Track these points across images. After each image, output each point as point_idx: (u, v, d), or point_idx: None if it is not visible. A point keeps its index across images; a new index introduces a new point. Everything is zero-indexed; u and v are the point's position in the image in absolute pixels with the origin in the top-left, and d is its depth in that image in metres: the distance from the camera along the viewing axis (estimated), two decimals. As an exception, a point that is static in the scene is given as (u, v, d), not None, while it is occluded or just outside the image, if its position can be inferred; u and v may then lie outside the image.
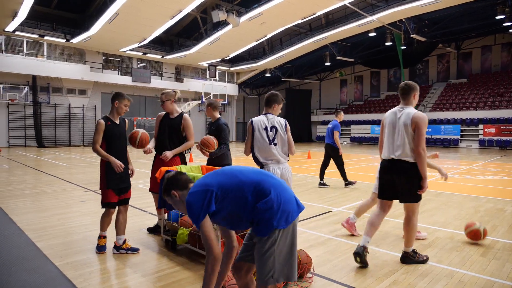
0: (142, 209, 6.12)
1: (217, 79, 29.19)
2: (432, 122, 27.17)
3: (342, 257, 3.86)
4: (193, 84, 30.61)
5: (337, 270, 3.51)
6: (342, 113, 8.62)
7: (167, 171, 4.01)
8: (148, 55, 27.63)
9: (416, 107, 26.49)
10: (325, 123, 34.89)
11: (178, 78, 30.97)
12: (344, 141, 32.41)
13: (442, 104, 28.41)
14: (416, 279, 3.32)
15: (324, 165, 8.45)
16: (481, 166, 13.18)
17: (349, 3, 20.14)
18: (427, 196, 7.25)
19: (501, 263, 3.73)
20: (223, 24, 22.36)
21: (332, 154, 8.30)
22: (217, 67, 29.27)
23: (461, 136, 25.73)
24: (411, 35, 23.01)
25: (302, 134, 35.11)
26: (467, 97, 27.85)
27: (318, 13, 21.43)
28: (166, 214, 4.36)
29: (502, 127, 23.63)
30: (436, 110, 28.07)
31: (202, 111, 32.49)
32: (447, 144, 25.81)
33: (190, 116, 30.87)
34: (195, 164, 5.34)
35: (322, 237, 4.58)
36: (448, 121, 26.51)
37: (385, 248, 4.16)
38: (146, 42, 24.56)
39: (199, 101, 26.86)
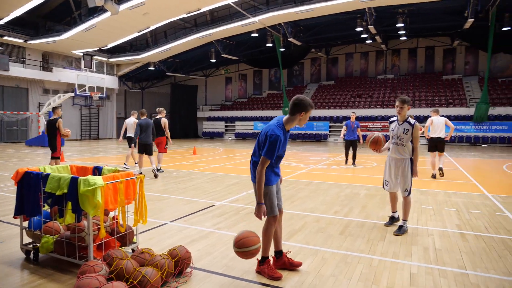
0: (-3, 218, 5.24)
1: (94, 70, 26.61)
2: (306, 119, 29.98)
3: (222, 249, 4.00)
4: (65, 75, 27.27)
5: (216, 262, 3.63)
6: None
7: (26, 172, 3.54)
8: (6, 38, 23.50)
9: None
10: (211, 119, 35.28)
11: (46, 66, 27.18)
12: (229, 137, 33.34)
13: (315, 103, 31.65)
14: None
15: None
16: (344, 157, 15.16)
17: (233, 2, 20.71)
18: (300, 186, 8.04)
19: (354, 239, 4.39)
20: (100, 10, 20.50)
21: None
22: (94, 57, 26.69)
23: (330, 131, 29.14)
24: (289, 39, 24.95)
25: (188, 130, 34.75)
26: (334, 97, 31.66)
27: (203, 9, 21.45)
28: (26, 222, 3.83)
29: (361, 124, 27.56)
30: (310, 108, 31.10)
31: (77, 105, 29.27)
32: (318, 139, 28.93)
33: (61, 110, 27.45)
34: (66, 163, 4.83)
35: (204, 231, 4.67)
36: (319, 118, 29.69)
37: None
38: (2, 22, 20.87)
39: (72, 94, 24.14)
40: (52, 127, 8.02)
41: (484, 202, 6.45)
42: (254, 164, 3.29)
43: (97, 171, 3.95)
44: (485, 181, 8.77)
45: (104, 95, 26.24)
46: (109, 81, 29.84)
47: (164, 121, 9.90)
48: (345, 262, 3.66)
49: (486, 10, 20.05)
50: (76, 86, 23.78)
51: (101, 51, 28.19)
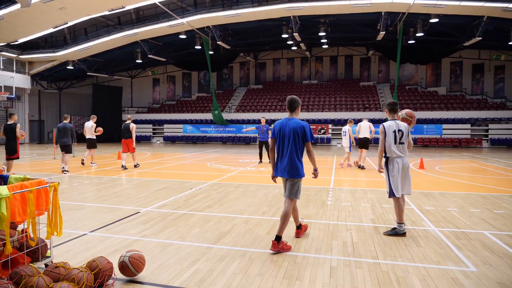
0: None
1: (1, 67, 23.87)
2: (235, 122, 30.36)
3: (148, 257, 3.86)
4: (-38, 71, 24.00)
5: (141, 270, 3.50)
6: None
7: None
8: None
9: (223, 109, 28.84)
10: (138, 122, 33.77)
11: None
12: (157, 141, 32.25)
13: (244, 106, 32.15)
14: (215, 263, 3.68)
15: None
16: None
17: (160, 2, 20.15)
18: (229, 188, 8.10)
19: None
20: (8, 1, 18.45)
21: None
22: (1, 53, 23.91)
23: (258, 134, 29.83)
24: (218, 42, 24.99)
25: (113, 134, 32.58)
26: (263, 101, 32.49)
27: (127, 7, 20.50)
28: None
29: (288, 127, 28.70)
30: (239, 111, 31.53)
31: (-22, 105, 25.91)
32: (248, 141, 29.42)
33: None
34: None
35: (128, 240, 4.46)
36: (249, 121, 30.19)
37: (189, 241, 4.41)
38: None
39: (-27, 93, 21.34)
40: (12, 131, 9.01)
41: (394, 197, 7.14)
42: (298, 158, 4.24)
43: (2, 180, 3.55)
44: (396, 178, 9.72)
45: (14, 96, 23.63)
46: (20, 80, 26.95)
47: (132, 126, 11.76)
48: (271, 261, 3.79)
49: (395, 25, 22.32)
50: (-22, 84, 21.06)
51: (9, 47, 25.32)
